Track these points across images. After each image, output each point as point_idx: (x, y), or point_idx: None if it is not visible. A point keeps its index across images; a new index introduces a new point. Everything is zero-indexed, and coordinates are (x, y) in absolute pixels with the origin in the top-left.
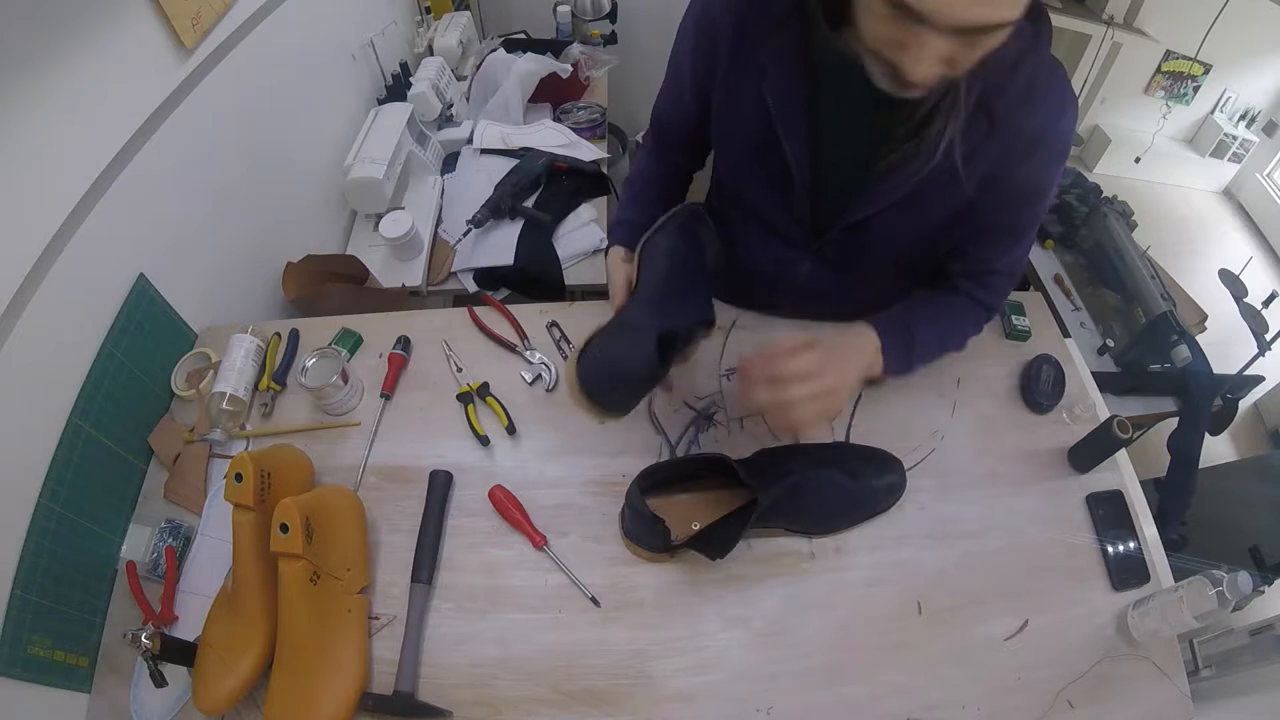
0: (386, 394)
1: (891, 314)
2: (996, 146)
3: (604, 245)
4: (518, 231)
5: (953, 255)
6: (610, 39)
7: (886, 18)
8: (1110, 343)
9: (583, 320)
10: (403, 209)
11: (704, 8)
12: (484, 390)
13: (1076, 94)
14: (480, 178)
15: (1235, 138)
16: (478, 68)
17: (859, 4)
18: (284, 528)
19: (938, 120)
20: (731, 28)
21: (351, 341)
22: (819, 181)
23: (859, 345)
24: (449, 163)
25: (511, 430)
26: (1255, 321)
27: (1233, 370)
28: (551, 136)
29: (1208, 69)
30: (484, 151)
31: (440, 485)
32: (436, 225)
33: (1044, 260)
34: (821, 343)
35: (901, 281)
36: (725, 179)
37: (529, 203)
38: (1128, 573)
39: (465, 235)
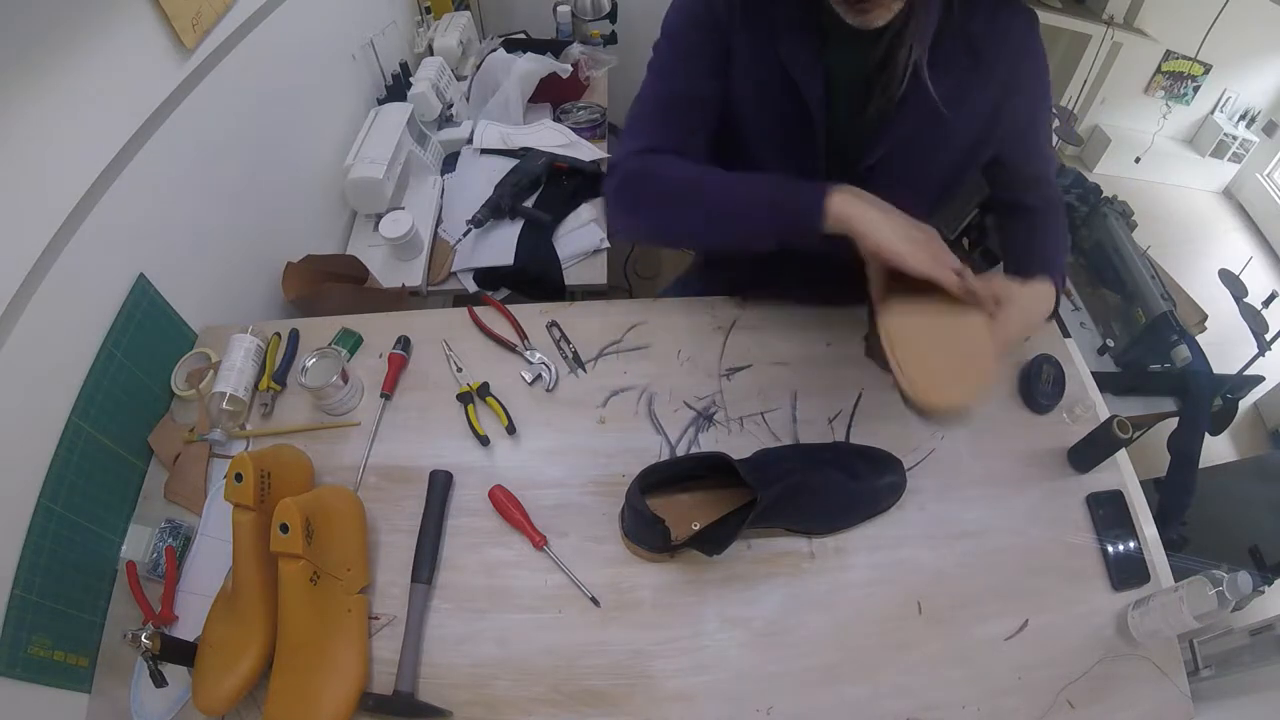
0: (386, 394)
1: (1044, 261)
2: (986, 78)
3: (604, 245)
4: (518, 231)
5: (1016, 185)
6: (610, 39)
7: None
8: (1110, 343)
9: (583, 320)
10: (403, 209)
11: None
12: (484, 390)
13: (1076, 94)
14: (480, 178)
15: (1235, 138)
16: (478, 68)
17: None
18: (284, 528)
19: (902, 46)
20: None
21: (351, 341)
22: (834, 134)
23: (1035, 295)
24: (449, 163)
25: (511, 430)
26: (1255, 321)
27: (1233, 370)
28: (551, 136)
29: (1208, 69)
30: (484, 151)
31: (440, 485)
32: (436, 225)
33: None
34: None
35: None
36: (732, 145)
37: (529, 203)
38: (1128, 573)
39: (465, 235)
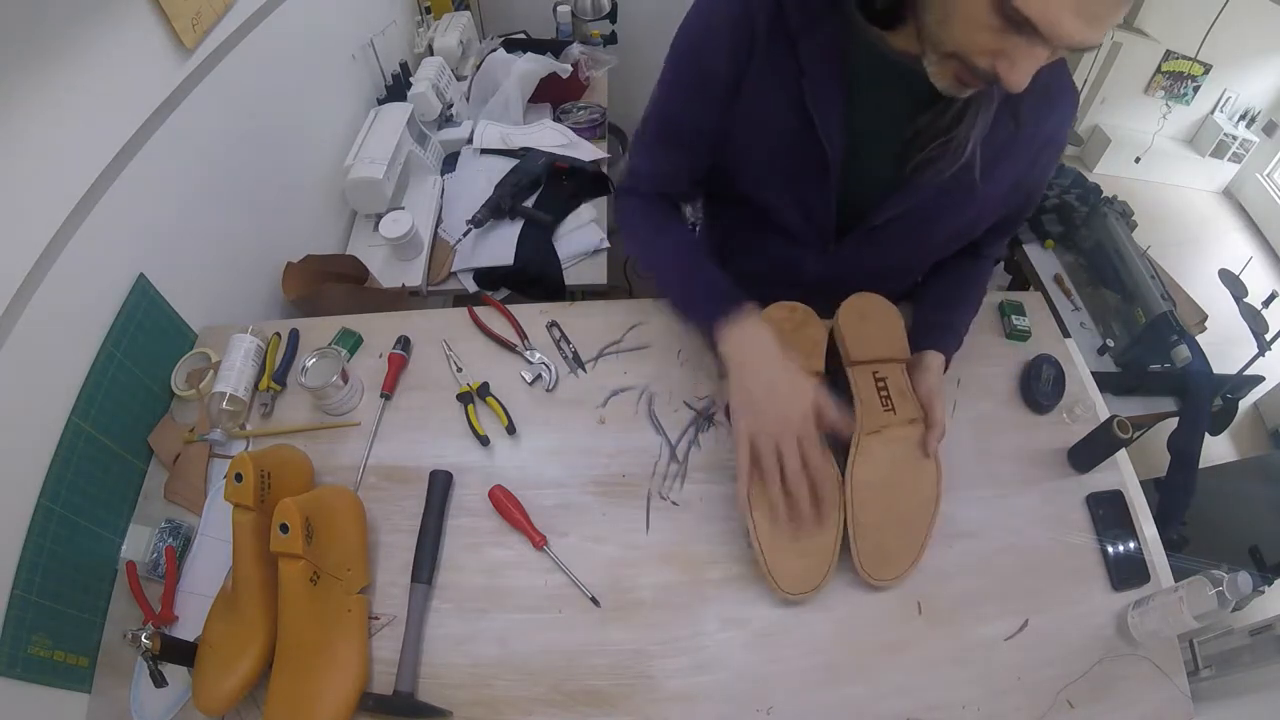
0: (386, 394)
1: (938, 322)
2: (1020, 150)
3: (604, 245)
4: (518, 231)
5: (983, 237)
6: (610, 39)
7: (994, 29)
8: (1110, 343)
9: (583, 320)
10: (403, 209)
11: (740, 6)
12: (484, 390)
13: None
14: (480, 178)
15: (1235, 138)
16: (478, 68)
17: (955, 11)
18: (284, 528)
19: (968, 118)
20: (769, 26)
21: (351, 341)
22: (848, 182)
23: (938, 373)
24: (449, 163)
25: (511, 430)
26: (1255, 321)
27: (1233, 370)
28: (551, 136)
29: (1208, 69)
30: (484, 151)
31: (440, 485)
32: (436, 225)
33: (1044, 260)
34: (931, 404)
35: (905, 281)
36: (737, 178)
37: (529, 203)
38: (1128, 573)
39: (465, 235)
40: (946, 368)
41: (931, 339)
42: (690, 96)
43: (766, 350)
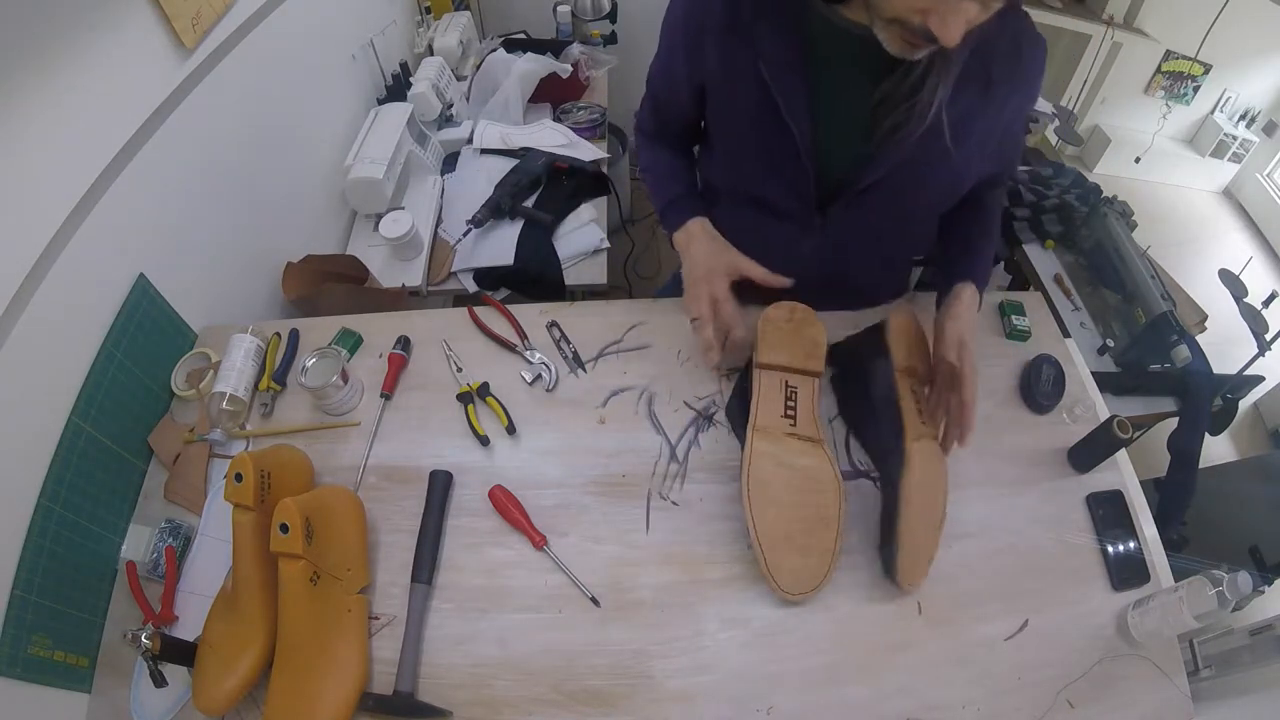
0: (386, 394)
1: (960, 251)
2: (991, 104)
3: (604, 245)
4: (518, 231)
5: (979, 185)
6: (610, 39)
7: None
8: (1110, 343)
9: (583, 320)
10: (403, 209)
11: (686, 7)
12: (484, 390)
13: (1076, 94)
14: (480, 178)
15: (1235, 138)
16: (478, 68)
17: None
18: (284, 528)
19: (931, 79)
20: (723, 8)
21: (351, 341)
22: (821, 156)
23: (970, 314)
24: (449, 163)
25: (511, 430)
26: (1255, 321)
27: (1233, 370)
28: (551, 136)
29: (1208, 69)
30: (484, 151)
31: (440, 485)
32: (436, 225)
33: (1044, 260)
34: (965, 344)
35: (902, 247)
36: (722, 166)
37: (529, 203)
38: (1128, 573)
39: (465, 235)
40: (980, 303)
41: (959, 269)
42: (668, 67)
43: (699, 236)
